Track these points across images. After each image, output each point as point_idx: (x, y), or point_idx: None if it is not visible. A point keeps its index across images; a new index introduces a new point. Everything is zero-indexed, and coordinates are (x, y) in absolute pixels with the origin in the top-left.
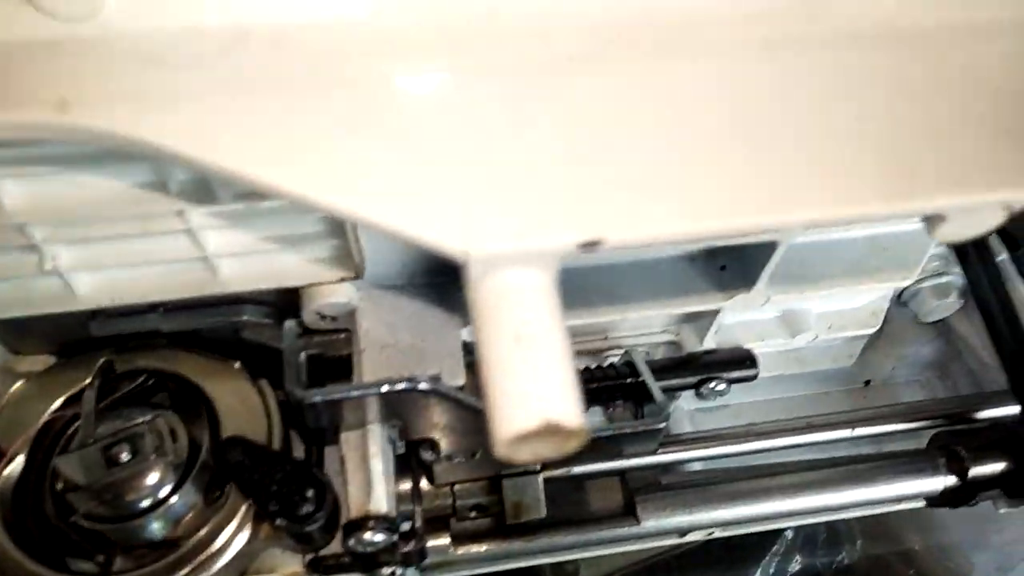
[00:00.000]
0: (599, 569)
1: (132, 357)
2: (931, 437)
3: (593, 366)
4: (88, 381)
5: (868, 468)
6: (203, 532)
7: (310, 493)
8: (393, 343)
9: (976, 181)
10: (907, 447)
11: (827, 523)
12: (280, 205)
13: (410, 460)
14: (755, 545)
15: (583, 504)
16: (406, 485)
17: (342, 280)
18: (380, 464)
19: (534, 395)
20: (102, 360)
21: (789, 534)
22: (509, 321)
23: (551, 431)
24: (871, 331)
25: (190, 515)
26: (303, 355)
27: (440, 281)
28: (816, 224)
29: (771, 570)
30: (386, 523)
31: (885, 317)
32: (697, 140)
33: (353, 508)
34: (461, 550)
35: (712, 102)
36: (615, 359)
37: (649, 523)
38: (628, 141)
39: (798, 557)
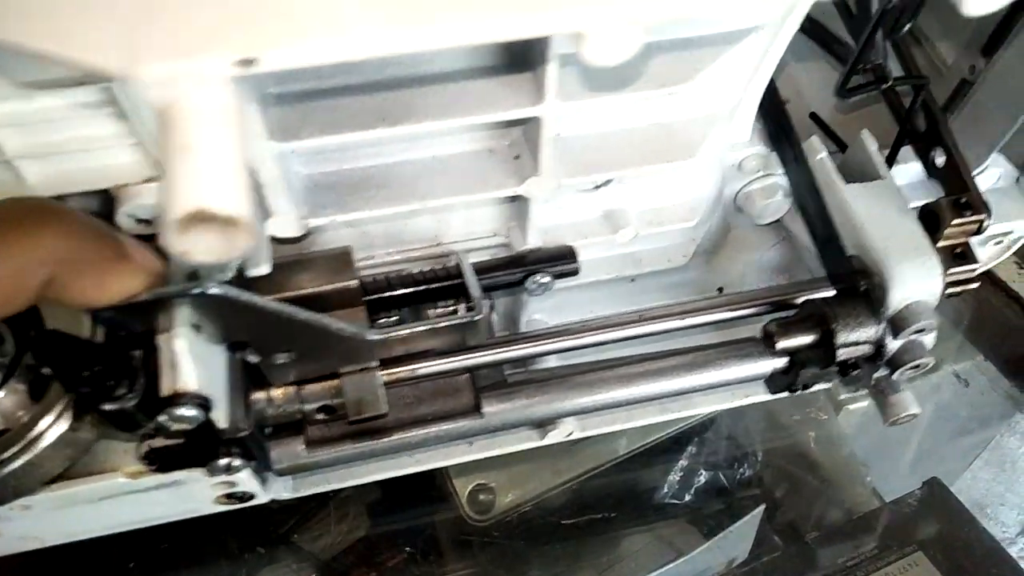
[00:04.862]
0: (515, 497)
1: None
2: (763, 325)
3: (427, 269)
4: None
5: (700, 355)
6: (24, 420)
7: (122, 375)
8: None
9: None
10: None
11: (728, 438)
12: (79, 102)
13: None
14: (661, 464)
15: (437, 406)
16: (259, 394)
17: (149, 180)
18: (183, 343)
19: (192, 189)
20: None
21: (692, 449)
22: (177, 133)
23: (208, 218)
24: (690, 225)
25: (16, 409)
26: None
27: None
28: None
29: (676, 485)
30: (197, 399)
31: (728, 224)
32: None
33: (164, 388)
34: (313, 452)
35: None
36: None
37: (494, 416)
38: None
39: (702, 471)
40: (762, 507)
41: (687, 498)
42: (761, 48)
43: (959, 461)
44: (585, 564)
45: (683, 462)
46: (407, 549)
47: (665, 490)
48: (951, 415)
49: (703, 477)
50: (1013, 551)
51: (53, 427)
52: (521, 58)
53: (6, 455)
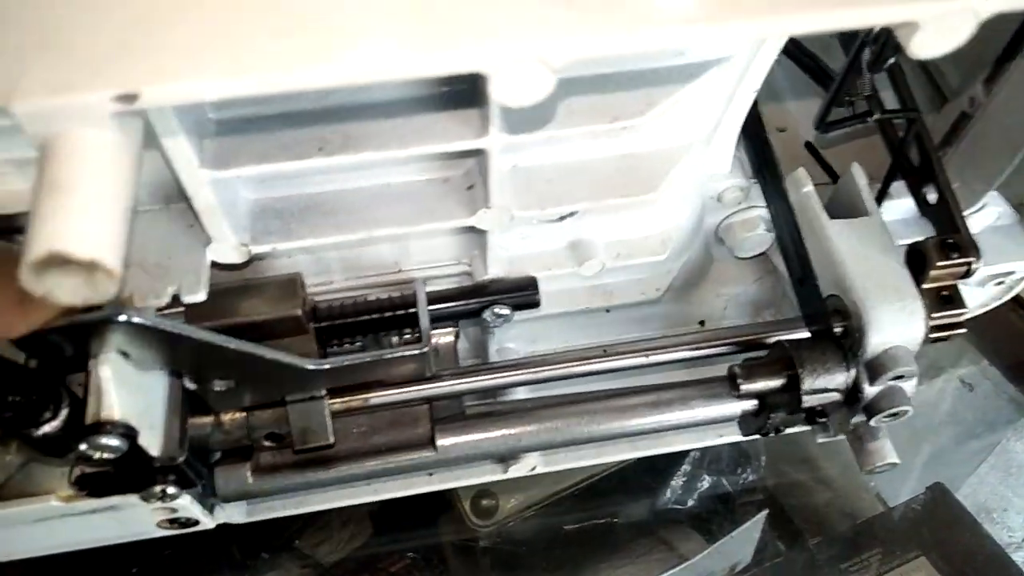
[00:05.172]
0: (518, 503)
1: None
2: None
3: (383, 297)
4: None
5: (666, 394)
6: None
7: (46, 401)
8: (139, 262)
9: None
10: None
11: (732, 443)
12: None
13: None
14: (665, 469)
15: (390, 437)
16: (204, 420)
17: None
18: (108, 371)
19: (50, 231)
20: None
21: (696, 454)
22: (49, 170)
23: (63, 260)
24: (660, 258)
25: None
26: None
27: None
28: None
29: (679, 490)
30: (120, 428)
31: (710, 256)
32: None
33: (88, 416)
34: (260, 480)
35: None
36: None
37: (448, 449)
38: None
39: (705, 476)
40: (765, 512)
41: (690, 503)
42: (730, 82)
43: (965, 466)
44: (588, 569)
45: (686, 467)
46: (410, 555)
47: (668, 495)
48: (957, 420)
49: (706, 482)
50: (1020, 555)
51: None
52: (465, 90)
53: None
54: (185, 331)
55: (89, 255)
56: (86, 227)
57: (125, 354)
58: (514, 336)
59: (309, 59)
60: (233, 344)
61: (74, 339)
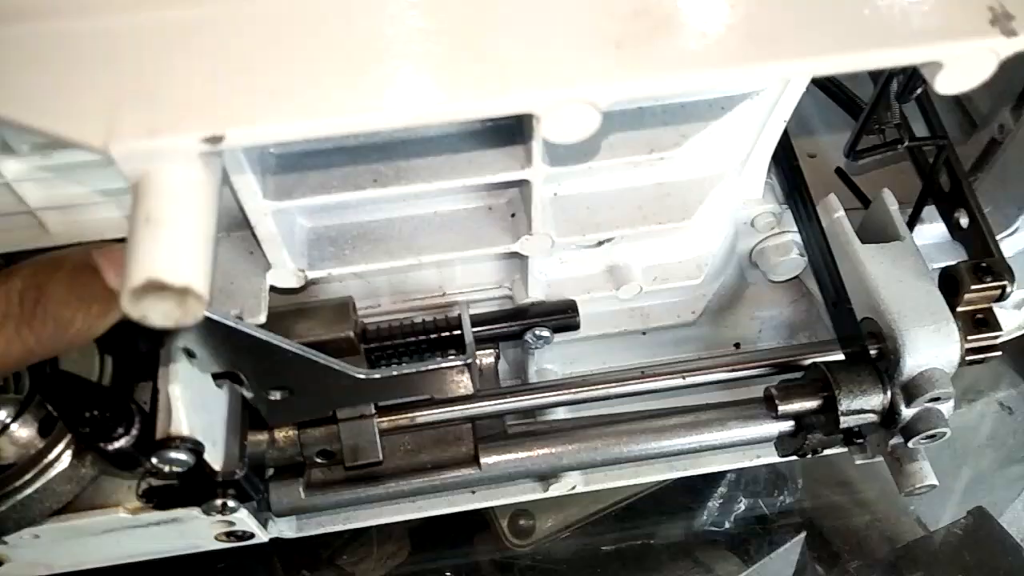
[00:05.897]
0: (556, 523)
1: None
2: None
3: (428, 319)
4: None
5: (704, 415)
6: (28, 456)
7: (120, 417)
8: None
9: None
10: None
11: (768, 465)
12: (90, 159)
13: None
14: (701, 491)
15: (435, 455)
16: (259, 436)
17: None
18: (178, 389)
19: (147, 260)
20: None
21: (732, 476)
22: (144, 205)
23: (159, 287)
24: (695, 282)
25: (27, 443)
26: None
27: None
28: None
29: (716, 512)
30: (188, 443)
31: (745, 280)
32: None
33: (159, 432)
34: (312, 496)
35: None
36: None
37: (492, 468)
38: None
39: (742, 498)
40: (803, 535)
41: (727, 525)
42: (762, 113)
43: (1008, 491)
44: None
45: (722, 489)
46: (447, 574)
47: (705, 517)
48: (997, 444)
49: (743, 504)
50: None
51: (56, 463)
52: (511, 124)
53: (12, 487)
54: (251, 331)
55: (183, 282)
56: (179, 256)
57: (191, 354)
58: (553, 357)
59: (373, 103)
60: (291, 346)
61: (149, 333)
